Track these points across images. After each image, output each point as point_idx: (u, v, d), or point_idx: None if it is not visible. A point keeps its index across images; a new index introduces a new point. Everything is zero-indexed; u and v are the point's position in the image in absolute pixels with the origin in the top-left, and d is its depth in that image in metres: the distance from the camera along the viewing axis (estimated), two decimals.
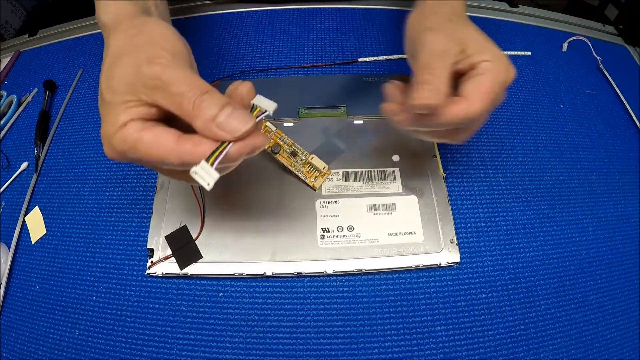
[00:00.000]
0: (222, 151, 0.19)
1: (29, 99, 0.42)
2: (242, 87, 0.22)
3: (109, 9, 0.25)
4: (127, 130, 0.20)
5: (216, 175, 0.20)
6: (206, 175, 0.20)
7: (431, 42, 0.25)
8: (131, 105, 0.20)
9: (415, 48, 0.26)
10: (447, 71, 0.24)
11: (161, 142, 0.20)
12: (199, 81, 0.20)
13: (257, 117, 0.21)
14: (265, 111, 0.22)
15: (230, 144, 0.20)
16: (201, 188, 0.33)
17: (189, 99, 0.20)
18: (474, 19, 0.47)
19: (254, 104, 0.22)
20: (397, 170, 0.34)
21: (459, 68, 0.25)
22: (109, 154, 0.21)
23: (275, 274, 0.30)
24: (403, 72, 0.41)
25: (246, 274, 0.30)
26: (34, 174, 0.36)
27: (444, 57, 0.24)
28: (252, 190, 0.33)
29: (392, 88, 0.27)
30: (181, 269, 0.30)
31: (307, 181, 0.33)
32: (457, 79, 0.25)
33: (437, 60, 0.24)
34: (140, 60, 0.21)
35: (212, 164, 0.19)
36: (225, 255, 0.31)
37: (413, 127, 0.26)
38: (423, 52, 0.25)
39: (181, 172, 0.22)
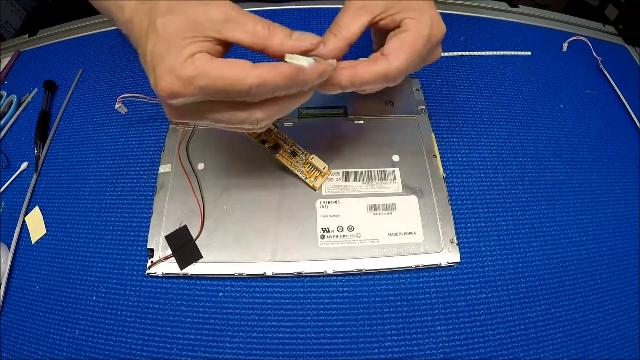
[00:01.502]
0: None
1: (29, 99, 0.42)
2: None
3: (129, 5, 0.24)
4: (195, 59, 0.20)
5: (311, 60, 0.21)
6: (300, 60, 0.21)
7: None
8: (197, 40, 0.21)
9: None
10: (354, 27, 0.25)
11: (236, 65, 0.20)
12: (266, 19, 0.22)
13: None
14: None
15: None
16: (200, 188, 0.33)
17: (264, 25, 0.21)
18: (474, 19, 0.48)
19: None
20: (397, 170, 0.34)
21: (382, 24, 0.26)
22: (169, 87, 0.21)
23: (275, 274, 0.30)
24: None
25: (246, 274, 0.30)
26: (34, 174, 0.36)
27: (356, 14, 0.25)
28: (252, 190, 0.33)
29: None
30: (181, 269, 0.30)
31: (307, 181, 0.33)
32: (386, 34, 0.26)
33: (345, 14, 0.26)
34: (205, 6, 0.21)
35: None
36: (225, 255, 0.31)
37: (337, 90, 0.25)
38: (342, 9, 0.26)
39: (240, 120, 0.22)
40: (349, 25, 0.25)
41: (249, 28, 0.21)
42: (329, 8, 0.48)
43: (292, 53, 0.22)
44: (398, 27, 0.25)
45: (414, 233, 0.31)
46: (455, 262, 0.31)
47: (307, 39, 0.22)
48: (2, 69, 0.46)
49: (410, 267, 0.30)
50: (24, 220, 0.34)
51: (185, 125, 0.36)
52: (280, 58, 0.22)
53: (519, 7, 0.50)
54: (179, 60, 0.20)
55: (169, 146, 0.36)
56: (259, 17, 0.22)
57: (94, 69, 0.44)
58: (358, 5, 0.26)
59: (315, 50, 0.23)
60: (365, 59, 0.25)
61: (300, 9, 0.48)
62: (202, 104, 0.22)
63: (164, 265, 0.30)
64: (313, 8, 0.48)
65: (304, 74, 0.21)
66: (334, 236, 0.31)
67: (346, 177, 0.34)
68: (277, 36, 0.21)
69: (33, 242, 0.33)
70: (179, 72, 0.20)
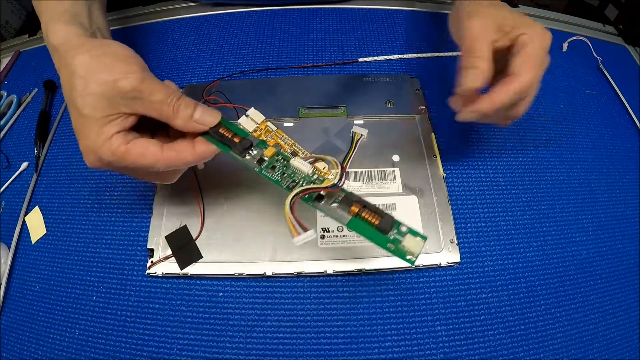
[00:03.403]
0: None
1: (29, 99, 0.42)
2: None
3: (59, 34, 0.27)
4: (112, 143, 0.23)
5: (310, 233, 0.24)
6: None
7: (470, 26, 0.27)
8: (113, 119, 0.23)
9: (459, 34, 0.29)
10: (487, 50, 0.27)
11: (147, 153, 0.24)
12: (170, 88, 0.25)
13: None
14: None
15: None
16: (200, 188, 0.33)
17: (169, 104, 0.24)
18: None
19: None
20: (397, 170, 0.34)
21: (500, 45, 0.28)
22: (92, 163, 0.24)
23: (275, 274, 0.30)
24: (403, 72, 0.41)
25: (246, 274, 0.30)
26: (34, 174, 0.36)
27: (483, 38, 0.27)
28: (252, 190, 0.33)
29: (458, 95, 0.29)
30: (181, 269, 0.30)
31: None
32: (505, 56, 0.28)
33: (477, 42, 0.27)
34: (115, 76, 0.23)
35: None
36: (225, 255, 0.31)
37: (480, 117, 0.28)
38: (465, 37, 0.28)
39: (156, 175, 0.26)
40: (482, 54, 0.27)
41: (156, 107, 0.24)
42: (328, 8, 0.48)
43: (193, 134, 0.25)
44: (512, 46, 0.28)
45: None
46: (455, 262, 0.31)
47: (207, 118, 0.25)
48: (2, 69, 0.46)
49: (410, 267, 0.30)
50: (24, 220, 0.34)
51: None
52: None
53: (519, 7, 0.50)
54: (97, 143, 0.23)
55: None
56: (167, 92, 0.24)
57: None
58: (483, 29, 0.27)
59: (470, 84, 0.26)
60: (496, 85, 0.27)
61: (300, 9, 0.48)
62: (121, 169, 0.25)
63: (164, 265, 0.30)
64: (313, 8, 0.48)
65: (204, 155, 0.25)
66: (334, 236, 0.31)
67: (346, 177, 0.34)
68: (180, 116, 0.24)
69: (33, 242, 0.33)
70: (100, 155, 0.23)
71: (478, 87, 0.26)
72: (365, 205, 0.24)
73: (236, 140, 0.26)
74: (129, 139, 0.24)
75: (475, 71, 0.26)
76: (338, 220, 0.24)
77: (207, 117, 0.25)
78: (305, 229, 0.24)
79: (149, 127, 0.26)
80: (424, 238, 0.23)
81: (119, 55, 0.25)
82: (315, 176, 0.26)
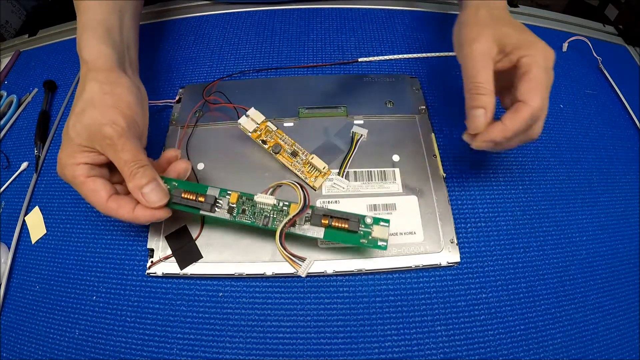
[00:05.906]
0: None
1: (29, 99, 0.42)
2: (181, 165, 0.29)
3: (92, 49, 0.30)
4: (77, 169, 0.27)
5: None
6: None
7: (472, 54, 0.27)
8: (86, 150, 0.27)
9: (460, 56, 0.29)
10: (489, 80, 0.26)
11: (96, 194, 0.27)
12: (140, 155, 0.27)
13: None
14: None
15: None
16: None
17: (129, 167, 0.26)
18: None
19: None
20: (397, 170, 0.34)
21: (501, 66, 0.28)
22: (58, 173, 0.27)
23: (275, 274, 0.30)
24: (403, 72, 0.41)
25: (246, 274, 0.30)
26: (34, 174, 0.36)
27: (485, 65, 0.27)
28: (252, 190, 0.33)
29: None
30: (181, 269, 0.30)
31: (307, 181, 0.33)
32: (508, 74, 0.28)
33: (479, 72, 0.26)
34: (104, 120, 0.26)
35: None
36: (225, 255, 0.31)
37: (494, 146, 0.28)
38: (467, 66, 0.27)
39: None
40: (485, 81, 0.26)
41: (119, 163, 0.27)
42: (328, 8, 0.48)
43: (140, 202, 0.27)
44: (515, 67, 0.27)
45: (414, 233, 0.31)
46: (455, 262, 0.31)
47: (152, 197, 0.27)
48: (2, 69, 0.46)
49: (410, 267, 0.30)
50: (24, 220, 0.34)
51: (185, 126, 0.37)
52: None
53: (519, 7, 0.50)
54: (66, 162, 0.27)
55: (169, 146, 0.36)
56: (135, 156, 0.26)
57: None
58: (484, 56, 0.27)
59: (477, 123, 0.27)
60: (506, 113, 0.27)
61: (300, 9, 0.48)
62: None
63: (164, 265, 0.30)
64: (313, 8, 0.48)
65: (139, 220, 0.27)
66: None
67: (346, 177, 0.34)
68: (132, 182, 0.26)
69: (33, 242, 0.33)
70: (65, 172, 0.27)
71: (485, 127, 0.27)
72: (331, 216, 0.28)
73: (201, 199, 0.28)
74: (91, 174, 0.27)
75: (480, 112, 0.26)
76: (315, 237, 0.28)
77: (152, 195, 0.27)
78: (302, 259, 0.29)
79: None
80: (387, 222, 0.27)
81: (122, 100, 0.28)
82: (281, 204, 0.28)
